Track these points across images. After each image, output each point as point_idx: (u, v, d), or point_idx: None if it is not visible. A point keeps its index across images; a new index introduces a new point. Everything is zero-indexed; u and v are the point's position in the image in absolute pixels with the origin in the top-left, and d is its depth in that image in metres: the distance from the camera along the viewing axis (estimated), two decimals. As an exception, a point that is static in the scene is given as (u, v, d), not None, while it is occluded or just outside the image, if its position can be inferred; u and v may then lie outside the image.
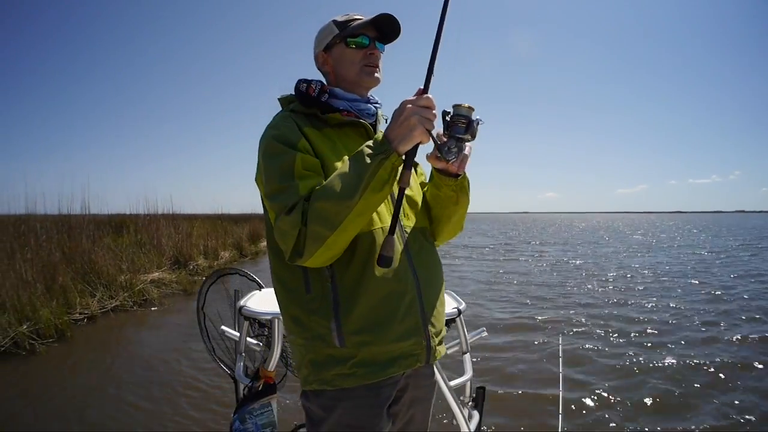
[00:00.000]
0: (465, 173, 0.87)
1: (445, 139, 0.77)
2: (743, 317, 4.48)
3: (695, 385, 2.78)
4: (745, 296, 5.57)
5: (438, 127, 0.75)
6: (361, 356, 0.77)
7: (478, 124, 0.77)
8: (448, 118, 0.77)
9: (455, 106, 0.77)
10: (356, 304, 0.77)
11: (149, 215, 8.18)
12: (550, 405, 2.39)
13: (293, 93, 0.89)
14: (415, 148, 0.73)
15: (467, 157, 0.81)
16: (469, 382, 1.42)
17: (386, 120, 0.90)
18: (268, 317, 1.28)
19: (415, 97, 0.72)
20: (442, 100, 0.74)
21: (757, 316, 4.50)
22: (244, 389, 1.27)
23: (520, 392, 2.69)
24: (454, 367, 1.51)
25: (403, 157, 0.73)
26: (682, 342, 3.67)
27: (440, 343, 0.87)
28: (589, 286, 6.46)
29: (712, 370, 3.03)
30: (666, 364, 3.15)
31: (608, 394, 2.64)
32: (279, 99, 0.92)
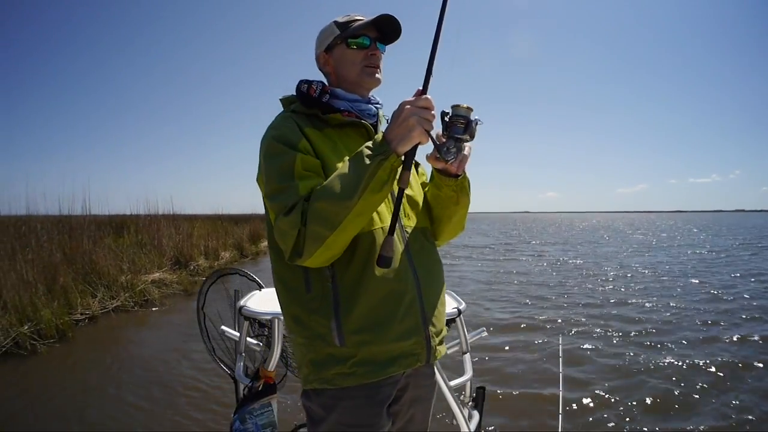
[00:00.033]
0: (465, 173, 0.87)
1: (444, 140, 0.78)
2: (743, 317, 4.48)
3: (695, 385, 2.78)
4: (746, 295, 5.56)
5: (437, 128, 0.76)
6: (361, 355, 0.78)
7: (476, 124, 0.77)
8: (446, 119, 0.78)
9: (454, 107, 0.77)
10: (356, 304, 0.77)
11: (150, 216, 8.20)
12: (550, 405, 2.39)
13: (295, 93, 0.90)
14: (414, 149, 0.73)
15: (467, 158, 0.81)
16: (469, 382, 1.42)
17: (387, 120, 0.91)
18: (268, 317, 1.28)
19: (413, 98, 0.72)
20: (441, 100, 0.74)
21: (758, 316, 4.50)
22: (244, 389, 1.28)
23: (520, 392, 2.69)
24: (454, 367, 1.51)
25: (403, 157, 0.73)
26: (682, 342, 3.67)
27: (441, 342, 0.88)
28: (589, 286, 6.46)
29: (713, 369, 3.03)
30: (666, 363, 3.15)
31: (608, 394, 2.65)
32: (281, 100, 0.92)
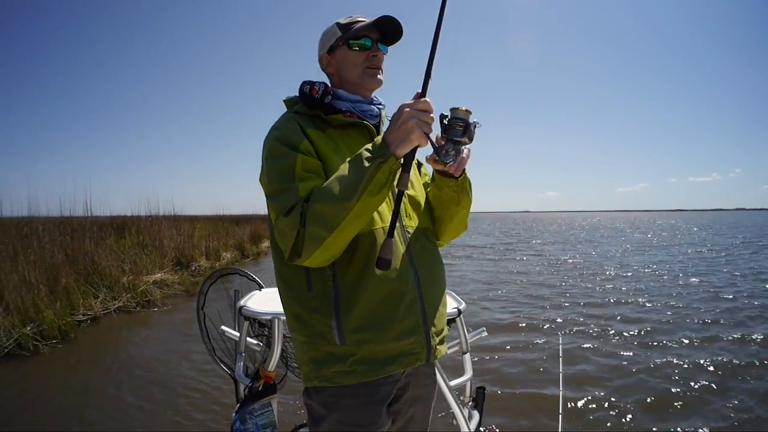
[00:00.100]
0: (466, 174, 0.88)
1: (443, 143, 0.79)
2: (744, 316, 4.47)
3: (695, 384, 2.77)
4: (747, 294, 5.55)
5: (436, 131, 0.76)
6: (361, 354, 0.79)
7: (475, 126, 0.78)
8: (445, 122, 0.78)
9: (452, 110, 0.78)
10: (357, 303, 0.78)
11: (151, 217, 8.22)
12: (550, 405, 2.39)
13: (298, 95, 0.91)
14: (413, 152, 0.74)
15: (465, 160, 0.82)
16: (469, 382, 1.43)
17: (390, 120, 0.92)
18: (268, 317, 1.28)
19: (413, 101, 0.72)
20: (441, 101, 0.75)
21: (758, 315, 4.49)
22: (244, 389, 1.28)
23: (520, 392, 2.70)
24: (454, 367, 1.52)
25: (402, 160, 0.73)
26: (683, 341, 3.67)
27: (441, 342, 0.88)
28: (590, 286, 6.45)
29: (713, 369, 3.03)
30: (666, 363, 3.15)
31: (608, 394, 2.65)
32: (284, 101, 0.93)
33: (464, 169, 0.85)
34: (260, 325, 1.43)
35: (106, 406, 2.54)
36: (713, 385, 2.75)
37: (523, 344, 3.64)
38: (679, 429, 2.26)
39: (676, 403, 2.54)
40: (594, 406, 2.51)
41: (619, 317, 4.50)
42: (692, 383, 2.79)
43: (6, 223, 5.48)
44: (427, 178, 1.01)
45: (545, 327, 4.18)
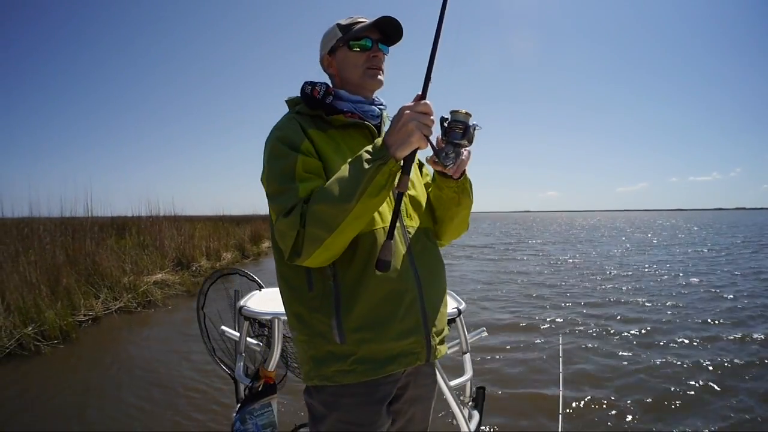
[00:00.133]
0: (466, 175, 0.88)
1: (443, 145, 0.79)
2: (744, 315, 4.47)
3: (696, 385, 2.77)
4: (747, 294, 5.55)
5: (436, 133, 0.77)
6: (361, 353, 0.79)
7: (475, 129, 0.79)
8: (445, 124, 0.79)
9: (452, 112, 0.78)
10: (357, 302, 0.78)
11: (152, 217, 8.24)
12: (550, 405, 2.39)
13: (300, 95, 0.91)
14: (413, 154, 0.74)
15: (465, 162, 0.83)
16: (469, 382, 1.43)
17: (391, 121, 0.92)
18: (268, 317, 1.28)
19: (413, 103, 0.73)
20: (441, 99, 0.75)
21: (759, 314, 4.49)
22: (244, 389, 1.29)
23: (520, 392, 2.70)
24: (454, 367, 1.52)
25: (401, 162, 0.74)
26: (683, 341, 3.67)
27: (441, 342, 0.89)
28: (590, 286, 6.45)
29: (713, 369, 3.03)
30: (666, 363, 3.15)
31: (608, 394, 2.65)
32: (286, 101, 0.94)
33: (464, 170, 0.86)
34: (260, 325, 1.43)
35: (106, 406, 2.55)
36: (713, 385, 2.75)
37: (523, 344, 3.64)
38: (679, 429, 2.26)
39: (676, 403, 2.54)
40: (594, 406, 2.51)
41: (619, 317, 4.50)
42: (692, 383, 2.79)
43: (7, 224, 5.50)
44: (429, 179, 1.01)
45: (545, 327, 4.19)
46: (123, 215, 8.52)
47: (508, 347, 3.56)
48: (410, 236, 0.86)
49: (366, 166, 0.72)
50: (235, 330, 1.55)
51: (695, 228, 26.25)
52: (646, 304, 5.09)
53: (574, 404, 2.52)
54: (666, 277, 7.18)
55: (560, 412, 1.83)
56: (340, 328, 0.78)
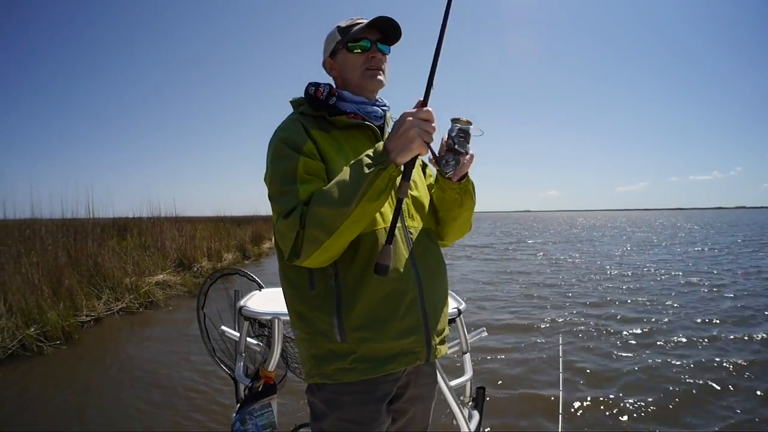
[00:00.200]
0: (469, 176, 0.89)
1: (443, 152, 0.80)
2: (745, 315, 4.46)
3: (696, 384, 2.77)
4: (748, 293, 5.54)
5: (437, 138, 0.77)
6: (361, 352, 0.80)
7: (476, 136, 0.79)
8: (446, 131, 0.80)
9: (453, 120, 0.79)
10: (358, 302, 0.79)
11: (153, 218, 8.26)
12: (550, 405, 2.39)
13: (303, 96, 0.92)
14: (413, 160, 0.75)
15: (467, 165, 0.84)
16: (469, 382, 1.43)
17: (394, 121, 0.92)
18: (268, 317, 1.29)
19: (415, 110, 0.73)
20: (441, 99, 0.76)
21: (760, 314, 4.48)
22: (244, 390, 1.29)
23: (519, 393, 2.70)
24: (454, 368, 1.52)
25: (402, 168, 0.75)
26: (683, 341, 3.67)
27: (441, 342, 0.89)
28: (590, 285, 6.44)
29: (714, 369, 3.02)
30: (666, 363, 3.14)
31: (608, 394, 2.65)
32: (291, 101, 0.94)
33: (467, 172, 0.87)
34: (260, 325, 1.44)
35: (106, 407, 2.56)
36: (714, 385, 2.75)
37: (523, 344, 3.64)
38: (679, 429, 2.26)
39: (676, 403, 2.54)
40: (594, 406, 2.52)
41: (619, 317, 4.49)
42: (692, 383, 2.79)
43: (9, 225, 5.52)
44: (432, 180, 1.02)
45: (545, 327, 4.18)
46: (124, 216, 8.56)
47: (508, 347, 3.56)
48: (412, 237, 0.87)
49: (366, 170, 0.72)
50: (235, 330, 1.56)
51: (696, 227, 26.18)
52: (647, 303, 5.08)
53: (573, 404, 2.52)
54: (666, 276, 7.17)
55: (560, 412, 1.83)
56: (340, 327, 0.79)
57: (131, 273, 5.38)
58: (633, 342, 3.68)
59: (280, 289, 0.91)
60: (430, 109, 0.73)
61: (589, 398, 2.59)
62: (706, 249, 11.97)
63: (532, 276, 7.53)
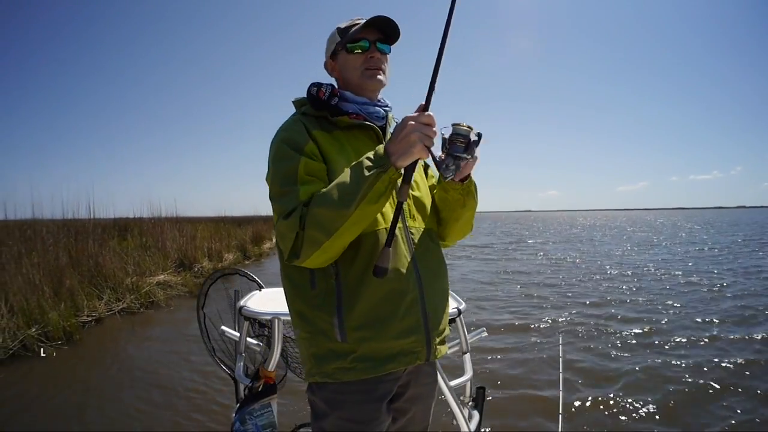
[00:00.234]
0: (471, 177, 0.90)
1: (443, 157, 0.80)
2: (745, 315, 4.46)
3: (696, 384, 2.77)
4: (748, 293, 5.53)
5: (438, 142, 0.78)
6: (362, 351, 0.80)
7: (477, 144, 0.79)
8: (447, 137, 0.80)
9: (454, 125, 0.79)
10: (358, 301, 0.80)
11: (153, 218, 8.27)
12: (550, 405, 2.39)
13: (306, 96, 0.92)
14: (414, 164, 0.75)
15: (469, 167, 0.84)
16: (469, 382, 1.44)
17: (396, 122, 0.91)
18: (268, 317, 1.29)
19: (416, 114, 0.73)
20: (443, 98, 0.76)
21: (760, 314, 4.47)
22: (244, 389, 1.29)
23: (519, 393, 2.70)
24: (454, 368, 1.53)
25: (402, 171, 0.75)
26: (683, 341, 3.66)
27: (442, 342, 0.90)
28: (590, 285, 6.44)
29: (714, 369, 3.02)
30: (666, 363, 3.14)
31: (608, 394, 2.65)
32: (293, 102, 0.95)
33: (470, 173, 0.87)
34: (260, 325, 1.44)
35: (106, 407, 2.56)
36: (714, 385, 2.75)
37: (523, 345, 3.64)
38: (679, 429, 2.26)
39: (676, 403, 2.54)
40: (594, 406, 2.52)
41: (619, 317, 4.49)
42: (692, 383, 2.79)
43: (10, 226, 5.53)
44: (434, 180, 1.02)
45: (545, 327, 4.18)
46: (125, 217, 8.57)
47: (508, 347, 3.56)
48: (413, 237, 0.87)
49: (366, 173, 0.73)
50: (235, 330, 1.56)
51: (696, 227, 26.15)
52: (648, 303, 5.08)
53: (574, 405, 2.52)
54: (667, 276, 7.17)
55: (560, 412, 1.84)
56: (341, 326, 0.79)
57: (132, 273, 5.38)
58: (633, 342, 3.68)
59: (280, 289, 0.91)
60: (431, 113, 0.73)
61: (589, 398, 2.59)
62: (707, 248, 11.95)
63: (532, 276, 7.52)
